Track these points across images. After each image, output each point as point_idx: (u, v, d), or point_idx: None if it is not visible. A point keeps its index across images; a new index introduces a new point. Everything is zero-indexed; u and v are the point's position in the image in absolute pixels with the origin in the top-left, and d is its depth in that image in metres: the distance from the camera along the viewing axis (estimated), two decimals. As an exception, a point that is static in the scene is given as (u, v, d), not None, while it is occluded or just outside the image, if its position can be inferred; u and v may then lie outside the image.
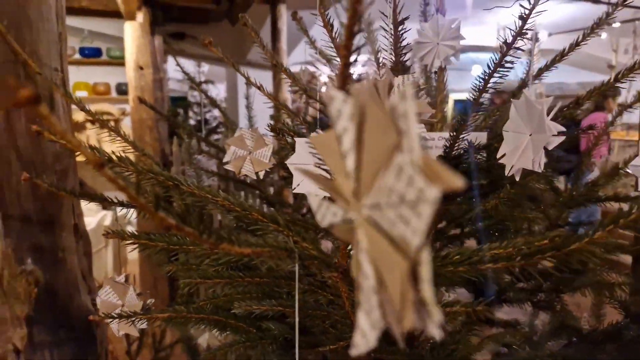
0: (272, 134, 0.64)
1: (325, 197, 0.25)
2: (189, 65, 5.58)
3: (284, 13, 3.20)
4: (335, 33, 0.54)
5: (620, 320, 0.65)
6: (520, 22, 0.55)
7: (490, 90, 0.60)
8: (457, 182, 0.12)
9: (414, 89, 0.15)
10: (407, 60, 0.58)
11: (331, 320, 0.41)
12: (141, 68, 2.91)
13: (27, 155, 0.60)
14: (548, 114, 0.47)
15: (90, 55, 4.35)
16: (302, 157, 0.47)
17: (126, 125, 4.47)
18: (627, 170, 0.65)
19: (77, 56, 4.35)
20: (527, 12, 0.54)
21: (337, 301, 0.39)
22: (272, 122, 0.61)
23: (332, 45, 0.58)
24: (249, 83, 0.95)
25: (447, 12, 0.65)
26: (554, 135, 0.46)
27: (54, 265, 0.65)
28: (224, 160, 0.60)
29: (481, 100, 0.59)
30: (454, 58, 0.57)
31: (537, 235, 0.32)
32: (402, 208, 0.13)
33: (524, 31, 0.55)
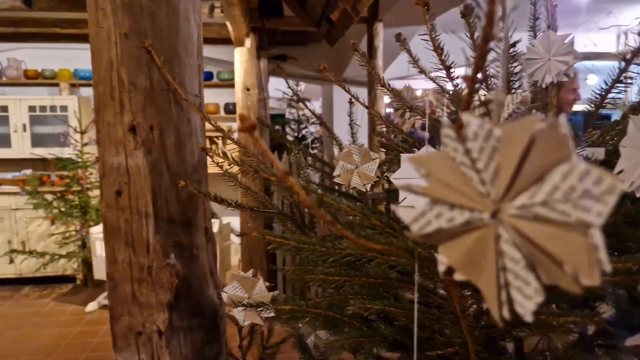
0: (382, 149, 0.68)
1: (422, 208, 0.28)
2: (285, 84, 5.90)
3: (380, 31, 3.26)
4: (445, 55, 0.57)
5: None
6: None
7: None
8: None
9: (524, 106, 0.18)
10: (517, 78, 0.58)
11: (440, 324, 0.43)
12: (248, 89, 3.17)
13: (174, 167, 0.73)
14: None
15: (204, 79, 4.85)
16: (407, 172, 0.50)
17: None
18: None
19: (193, 80, 4.88)
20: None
21: (446, 306, 0.41)
22: (380, 139, 0.65)
23: (441, 67, 0.61)
24: (353, 101, 1.01)
25: (559, 18, 0.64)
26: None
27: (189, 260, 0.76)
28: (334, 173, 0.66)
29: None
30: (568, 73, 0.56)
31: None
32: (583, 200, 0.18)
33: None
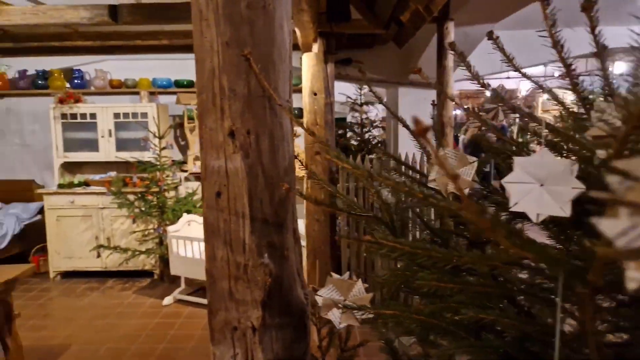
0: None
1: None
2: (349, 88, 5.90)
3: (451, 30, 3.16)
4: (566, 53, 0.53)
5: None
6: None
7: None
8: None
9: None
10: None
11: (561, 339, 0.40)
12: (315, 93, 3.22)
13: (268, 170, 0.76)
14: None
15: (271, 85, 4.99)
16: (521, 176, 0.48)
17: (298, 145, 4.96)
18: None
19: (260, 86, 5.04)
20: None
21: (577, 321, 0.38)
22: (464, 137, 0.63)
23: (562, 65, 0.57)
24: (435, 104, 0.99)
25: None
26: None
27: (281, 260, 0.79)
28: (430, 178, 0.65)
29: None
30: None
31: None
32: None
33: None
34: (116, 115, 4.58)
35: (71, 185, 4.57)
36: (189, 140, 4.97)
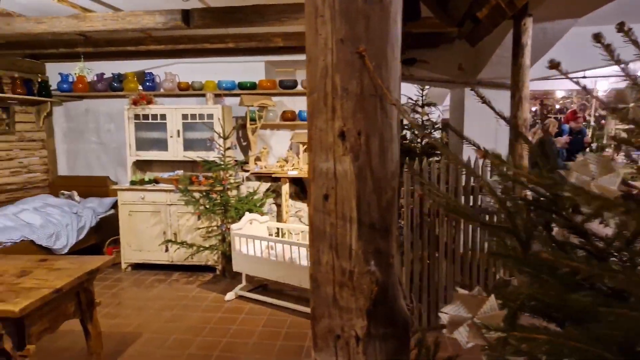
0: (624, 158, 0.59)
1: None
2: (409, 88, 5.76)
3: (529, 27, 2.98)
4: None
5: None
6: None
7: None
8: None
9: None
10: None
11: None
12: (381, 94, 3.16)
13: (377, 172, 0.73)
14: None
15: (332, 86, 4.98)
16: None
17: (357, 146, 4.91)
18: None
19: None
20: None
21: None
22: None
23: None
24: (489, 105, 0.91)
25: None
26: None
27: (386, 268, 0.76)
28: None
29: None
30: None
31: None
32: None
33: None
34: (184, 117, 4.78)
35: (142, 182, 4.83)
36: (250, 140, 5.08)
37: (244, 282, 4.09)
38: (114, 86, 5.31)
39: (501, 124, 0.98)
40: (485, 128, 4.02)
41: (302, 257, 3.55)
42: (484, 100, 1.07)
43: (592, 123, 9.25)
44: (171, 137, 4.81)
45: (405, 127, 6.12)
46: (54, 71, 5.51)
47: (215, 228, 4.51)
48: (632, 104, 0.71)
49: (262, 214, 4.42)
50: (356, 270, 0.71)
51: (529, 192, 0.74)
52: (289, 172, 4.72)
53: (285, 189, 4.75)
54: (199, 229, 4.56)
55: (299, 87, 5.11)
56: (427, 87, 6.00)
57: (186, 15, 3.59)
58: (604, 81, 7.85)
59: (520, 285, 0.59)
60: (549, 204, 0.62)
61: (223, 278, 4.55)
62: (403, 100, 5.84)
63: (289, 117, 5.13)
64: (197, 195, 4.47)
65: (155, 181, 4.86)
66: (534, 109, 10.18)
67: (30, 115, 5.39)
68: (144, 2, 3.72)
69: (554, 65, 0.69)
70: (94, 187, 5.53)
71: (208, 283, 4.41)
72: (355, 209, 0.71)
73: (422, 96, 5.97)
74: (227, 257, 4.52)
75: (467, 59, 4.80)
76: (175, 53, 5.03)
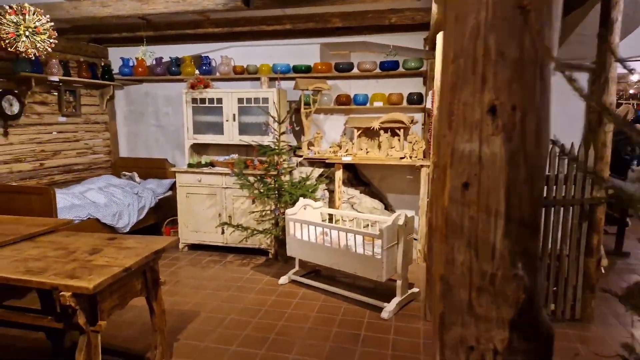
0: None
1: None
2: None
3: (620, 1, 2.68)
4: None
5: None
6: None
7: None
8: None
9: None
10: None
11: None
12: (450, 76, 2.97)
13: (531, 158, 0.61)
14: None
15: (389, 69, 4.79)
16: None
17: (415, 132, 4.72)
18: None
19: (377, 70, 4.88)
20: None
21: None
22: None
23: None
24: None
25: None
26: None
27: (534, 272, 0.65)
28: None
29: None
30: None
31: None
32: None
33: None
34: (240, 100, 4.79)
35: (199, 165, 4.91)
36: (304, 125, 5.02)
37: (297, 267, 4.08)
38: (172, 70, 5.41)
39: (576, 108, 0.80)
40: (557, 113, 3.71)
41: (357, 244, 3.46)
42: (572, 84, 0.90)
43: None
44: (227, 120, 4.83)
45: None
46: (115, 55, 5.68)
47: (268, 212, 4.52)
48: None
49: (315, 199, 4.36)
50: (499, 273, 0.60)
51: None
52: (343, 158, 4.62)
53: (339, 174, 4.66)
54: (253, 212, 4.58)
55: (355, 70, 4.96)
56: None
57: (246, -4, 3.54)
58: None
59: None
60: None
61: (275, 262, 4.56)
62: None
63: (343, 101, 5.01)
64: (251, 179, 4.48)
65: (212, 164, 4.93)
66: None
67: (94, 99, 5.61)
68: (205, -17, 3.70)
69: None
70: (153, 168, 5.71)
71: (261, 266, 4.44)
72: (504, 201, 0.60)
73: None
74: (279, 241, 4.52)
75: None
76: (231, 36, 5.02)
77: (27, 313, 2.17)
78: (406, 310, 3.44)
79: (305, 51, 5.16)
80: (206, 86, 4.83)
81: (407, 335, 3.02)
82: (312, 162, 4.93)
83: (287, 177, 4.64)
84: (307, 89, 4.80)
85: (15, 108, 4.46)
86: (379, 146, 4.82)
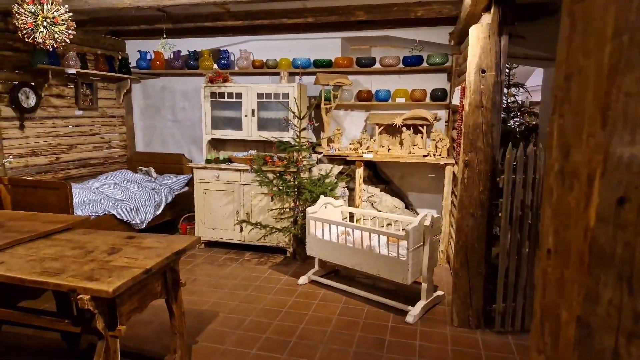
0: None
1: None
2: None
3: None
4: None
5: None
6: None
7: None
8: None
9: None
10: None
11: None
12: (483, 71, 2.81)
13: None
14: None
15: (412, 64, 4.63)
16: None
17: (438, 130, 4.56)
18: None
19: (400, 65, 4.72)
20: None
21: None
22: None
23: None
24: None
25: None
26: None
27: None
28: None
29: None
30: None
31: None
32: None
33: None
34: (259, 95, 4.67)
35: (217, 160, 4.82)
36: (324, 121, 4.89)
37: (316, 267, 3.97)
38: (190, 64, 5.31)
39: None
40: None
41: (381, 245, 3.33)
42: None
43: None
44: (245, 116, 4.73)
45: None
46: (133, 48, 5.61)
47: (287, 210, 4.41)
48: None
49: (335, 197, 4.24)
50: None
51: None
52: (364, 155, 4.48)
53: (360, 172, 4.53)
54: (271, 210, 4.48)
55: (377, 65, 4.82)
56: (515, 65, 5.46)
57: (269, -13, 3.41)
58: None
59: None
60: None
61: (293, 260, 4.46)
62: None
63: (364, 97, 4.87)
64: (270, 175, 4.37)
65: (230, 160, 4.83)
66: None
67: (111, 92, 5.55)
68: (226, -27, 3.59)
69: None
70: (169, 164, 5.64)
71: (279, 265, 4.34)
72: (671, 223, 0.47)
73: (508, 75, 5.45)
74: (298, 240, 4.42)
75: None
76: (251, 29, 4.91)
77: (43, 316, 2.09)
78: (431, 314, 3.31)
79: (325, 45, 5.02)
80: (225, 80, 4.73)
81: (434, 342, 2.89)
82: (332, 159, 4.80)
83: (306, 175, 4.52)
84: (328, 84, 4.67)
85: (32, 101, 4.41)
86: (401, 143, 4.68)
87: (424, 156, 4.38)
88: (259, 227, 4.29)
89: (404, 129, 4.58)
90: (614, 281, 0.49)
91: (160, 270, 2.23)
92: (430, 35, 4.45)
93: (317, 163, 4.73)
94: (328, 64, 4.88)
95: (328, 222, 3.66)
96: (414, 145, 4.57)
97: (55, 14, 3.36)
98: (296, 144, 4.26)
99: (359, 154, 4.59)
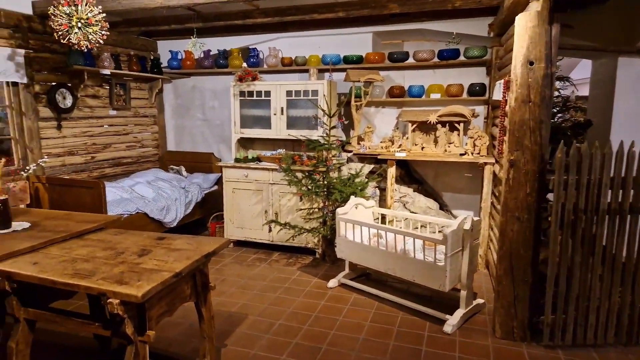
0: None
1: None
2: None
3: None
4: None
5: None
6: None
7: None
8: None
9: None
10: None
11: None
12: (531, 63, 2.61)
13: None
14: None
15: (448, 57, 4.44)
16: None
17: (477, 127, 4.34)
18: None
19: (435, 60, 4.53)
20: None
21: None
22: None
23: None
24: None
25: None
26: None
27: None
28: None
29: None
30: None
31: None
32: None
33: None
34: (288, 93, 4.59)
35: (246, 159, 4.77)
36: (354, 119, 4.76)
37: (347, 270, 3.85)
38: (219, 63, 5.29)
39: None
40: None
41: (416, 249, 3.17)
42: None
43: None
44: (274, 114, 4.65)
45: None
46: (164, 49, 5.65)
47: (316, 210, 4.31)
48: None
49: (366, 198, 4.10)
50: None
51: None
52: (397, 154, 4.32)
53: (392, 171, 4.37)
54: (300, 210, 4.39)
55: (410, 60, 4.64)
56: (559, 57, 5.15)
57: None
58: None
59: None
60: None
61: (323, 262, 4.36)
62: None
63: (396, 94, 4.70)
64: (299, 175, 4.28)
65: (258, 159, 4.78)
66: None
67: (143, 92, 5.60)
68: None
69: None
70: (199, 162, 5.65)
71: (308, 266, 4.25)
72: None
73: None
74: (327, 241, 4.31)
75: (621, 23, 3.96)
76: (280, 26, 4.83)
77: (75, 318, 2.07)
78: (471, 323, 3.13)
79: (355, 41, 4.89)
80: (254, 78, 4.67)
81: (475, 354, 2.72)
82: (362, 158, 4.67)
83: (336, 174, 4.41)
84: (359, 81, 4.53)
85: (69, 101, 4.49)
86: (435, 141, 4.49)
87: (461, 155, 4.18)
88: (287, 227, 4.21)
89: (439, 126, 4.39)
90: None
91: (190, 273, 2.17)
92: (468, 27, 4.24)
93: (347, 162, 4.61)
94: (358, 59, 4.74)
95: (359, 223, 3.53)
96: (450, 143, 4.37)
97: (89, 14, 3.37)
98: (325, 142, 4.15)
99: (390, 152, 4.44)
